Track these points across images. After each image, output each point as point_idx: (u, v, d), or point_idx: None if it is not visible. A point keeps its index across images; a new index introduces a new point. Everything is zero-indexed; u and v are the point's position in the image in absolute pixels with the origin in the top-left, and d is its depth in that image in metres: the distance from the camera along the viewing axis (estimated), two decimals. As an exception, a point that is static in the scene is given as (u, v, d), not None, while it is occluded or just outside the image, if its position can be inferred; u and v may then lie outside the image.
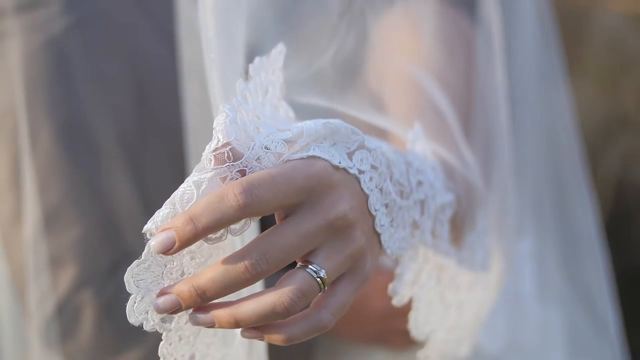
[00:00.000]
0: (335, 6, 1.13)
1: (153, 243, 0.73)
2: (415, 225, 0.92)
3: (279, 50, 0.89)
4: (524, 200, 1.39)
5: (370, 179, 0.82)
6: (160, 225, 0.74)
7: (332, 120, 0.81)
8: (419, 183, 0.92)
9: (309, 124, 0.80)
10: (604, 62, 3.27)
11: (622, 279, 1.89)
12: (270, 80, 0.87)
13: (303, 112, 0.92)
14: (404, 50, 1.18)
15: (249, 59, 0.89)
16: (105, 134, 1.21)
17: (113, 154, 1.21)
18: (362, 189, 0.82)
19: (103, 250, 1.20)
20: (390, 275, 0.95)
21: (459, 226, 1.05)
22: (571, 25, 3.08)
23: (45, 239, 1.21)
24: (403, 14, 1.21)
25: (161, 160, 1.22)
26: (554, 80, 1.46)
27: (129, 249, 1.19)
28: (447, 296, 1.05)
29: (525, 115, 1.41)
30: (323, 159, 0.78)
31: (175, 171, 1.19)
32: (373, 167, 0.83)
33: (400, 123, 1.06)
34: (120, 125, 1.21)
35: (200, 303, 0.75)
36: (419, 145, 0.99)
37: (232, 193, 0.72)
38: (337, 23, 1.13)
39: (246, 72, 0.86)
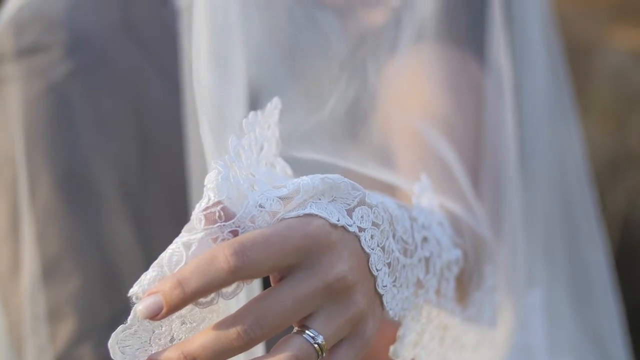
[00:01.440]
0: (336, 56, 1.09)
1: (139, 308, 0.68)
2: (419, 284, 0.86)
3: (274, 105, 0.84)
4: (535, 248, 1.34)
5: (372, 237, 0.77)
6: (147, 288, 0.69)
7: (330, 176, 0.76)
8: (424, 239, 0.86)
9: (305, 179, 0.74)
10: (609, 98, 3.25)
11: (629, 318, 1.83)
12: (265, 136, 0.82)
13: (303, 168, 0.87)
14: (409, 99, 1.14)
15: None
16: (106, 183, 1.16)
17: (114, 203, 1.16)
18: (362, 248, 0.76)
19: (103, 302, 1.15)
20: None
21: (466, 283, 1.00)
22: (576, 62, 3.03)
23: (43, 290, 1.16)
24: (408, 60, 1.17)
25: (163, 210, 1.18)
26: (565, 117, 1.42)
27: (130, 302, 1.14)
28: (450, 357, 1.00)
29: (535, 155, 1.37)
30: (320, 216, 0.72)
31: (178, 221, 1.13)
32: (374, 224, 0.77)
33: (405, 176, 1.01)
34: (122, 174, 1.17)
35: None
36: (426, 198, 0.94)
37: (222, 255, 0.67)
38: (337, 74, 1.09)
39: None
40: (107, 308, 1.16)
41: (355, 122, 1.10)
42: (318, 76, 1.10)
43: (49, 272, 1.16)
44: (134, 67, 1.19)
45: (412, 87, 1.15)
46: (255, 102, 1.06)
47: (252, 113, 0.81)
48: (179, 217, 1.14)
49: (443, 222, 0.93)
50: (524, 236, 1.24)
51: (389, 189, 0.98)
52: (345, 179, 0.77)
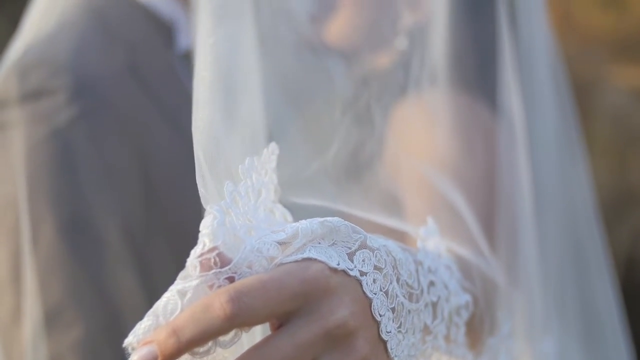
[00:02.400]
0: (341, 100, 1.07)
1: (134, 358, 0.65)
2: (426, 330, 0.83)
3: (271, 150, 0.81)
4: (547, 293, 1.32)
5: (374, 281, 0.74)
6: (142, 338, 0.65)
7: (330, 219, 0.73)
8: (431, 284, 0.83)
9: (304, 223, 0.71)
10: (610, 137, 3.24)
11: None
12: (262, 182, 0.79)
13: (305, 213, 0.84)
14: (418, 144, 1.12)
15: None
16: (110, 229, 1.13)
17: (118, 251, 1.13)
18: (364, 292, 0.73)
19: (106, 351, 1.12)
20: None
21: (478, 329, 0.96)
22: (577, 101, 3.03)
23: (45, 338, 1.13)
24: (417, 105, 1.15)
25: (167, 257, 1.15)
26: (573, 157, 1.40)
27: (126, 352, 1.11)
28: None
29: (545, 197, 1.35)
30: (319, 260, 0.69)
31: (182, 269, 1.11)
32: (377, 268, 0.74)
33: (413, 221, 0.99)
34: (126, 220, 1.14)
35: None
36: (432, 242, 0.91)
37: (218, 302, 0.64)
38: (341, 118, 1.07)
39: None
40: (109, 357, 1.12)
41: (360, 167, 1.09)
42: (323, 120, 1.08)
43: (51, 320, 1.12)
44: (140, 112, 1.17)
45: (421, 132, 1.13)
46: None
47: (248, 159, 0.78)
48: (183, 265, 1.11)
49: (451, 266, 0.90)
50: (540, 282, 1.21)
51: (397, 235, 0.96)
52: (346, 222, 0.74)
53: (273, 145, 0.81)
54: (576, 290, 1.39)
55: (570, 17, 3.98)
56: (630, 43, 3.69)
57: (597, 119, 3.25)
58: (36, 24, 1.25)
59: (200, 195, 0.75)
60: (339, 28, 1.19)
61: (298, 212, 0.84)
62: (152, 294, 1.09)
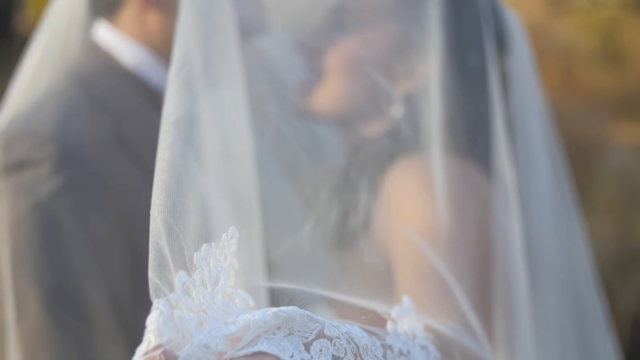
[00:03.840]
0: (326, 171, 1.05)
1: None
2: None
3: (230, 235, 0.79)
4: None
5: None
6: None
7: (284, 308, 0.71)
8: None
9: (257, 314, 0.69)
10: (613, 195, 3.21)
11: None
12: (222, 268, 0.77)
13: (280, 294, 0.81)
14: (409, 212, 1.09)
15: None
16: (97, 301, 1.09)
17: (105, 322, 1.09)
18: None
19: None
20: None
21: None
22: (580, 160, 3.00)
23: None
24: (410, 169, 1.12)
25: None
26: (570, 220, 1.37)
27: None
28: None
29: (543, 260, 1.32)
30: (270, 354, 0.67)
31: None
32: (335, 357, 0.72)
33: (384, 301, 0.96)
34: (112, 291, 1.10)
35: None
36: (407, 321, 0.88)
37: None
38: (328, 195, 1.04)
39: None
40: None
41: (344, 238, 1.06)
42: (307, 190, 1.05)
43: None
44: (127, 180, 1.14)
45: (413, 198, 1.10)
46: None
47: (204, 246, 0.76)
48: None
49: (427, 346, 0.87)
50: (537, 352, 1.18)
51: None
52: (302, 311, 0.72)
53: (232, 229, 0.79)
54: (578, 353, 1.36)
55: (572, 76, 3.96)
56: (631, 100, 3.67)
57: (600, 178, 3.22)
58: (23, 93, 1.23)
59: (151, 287, 0.72)
60: (325, 97, 1.17)
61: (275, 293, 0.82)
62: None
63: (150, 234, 0.74)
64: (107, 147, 1.15)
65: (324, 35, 1.19)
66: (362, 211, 1.08)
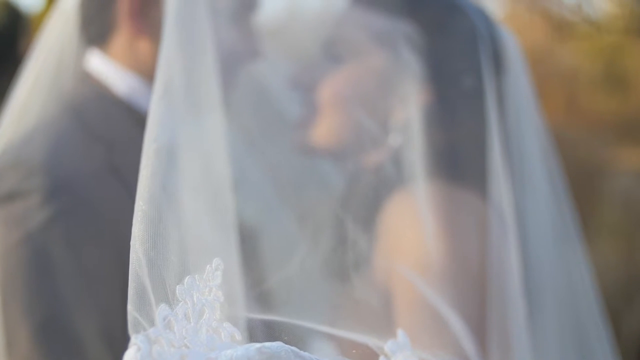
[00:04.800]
0: (319, 212, 1.03)
1: None
2: None
3: (214, 267, 0.76)
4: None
5: None
6: None
7: (269, 344, 0.69)
8: None
9: (240, 350, 0.67)
10: (618, 220, 3.18)
11: None
12: (206, 301, 0.74)
13: (274, 329, 0.78)
14: (409, 244, 1.07)
15: None
16: (89, 332, 1.06)
17: (97, 354, 1.06)
18: None
19: None
20: None
21: None
22: (584, 185, 2.97)
23: None
24: (409, 201, 1.10)
25: None
26: (569, 241, 1.34)
27: None
28: None
29: (544, 286, 1.28)
30: None
31: None
32: None
33: (378, 335, 0.93)
34: (104, 323, 1.07)
35: None
36: (402, 355, 0.85)
37: None
38: (316, 228, 1.02)
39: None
40: None
41: (339, 272, 1.03)
42: (310, 223, 1.03)
43: None
44: (119, 209, 1.10)
45: (408, 232, 1.08)
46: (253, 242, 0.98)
47: (188, 278, 0.73)
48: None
49: None
50: None
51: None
52: (287, 347, 0.69)
53: (217, 261, 0.76)
54: None
55: (575, 101, 3.95)
56: (635, 125, 3.65)
57: (604, 203, 3.19)
58: (15, 122, 1.20)
59: (130, 321, 0.69)
60: (321, 132, 1.16)
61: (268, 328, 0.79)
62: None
63: (130, 266, 0.71)
64: (99, 176, 1.12)
65: (316, 69, 1.17)
66: (360, 243, 1.05)
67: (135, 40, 1.19)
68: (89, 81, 1.20)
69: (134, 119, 1.17)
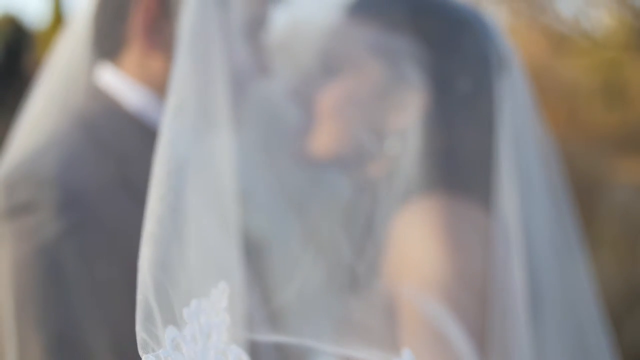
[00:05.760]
0: (328, 226, 1.02)
1: None
2: None
3: (221, 290, 0.75)
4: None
5: None
6: None
7: None
8: None
9: None
10: (618, 232, 3.17)
11: None
12: (213, 323, 0.73)
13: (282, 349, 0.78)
14: (412, 263, 1.06)
15: None
16: (100, 347, 1.05)
17: None
18: None
19: None
20: None
21: None
22: (584, 197, 2.97)
23: None
24: (410, 215, 1.09)
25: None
26: (571, 252, 1.33)
27: None
28: None
29: (546, 299, 1.27)
30: None
31: None
32: None
33: (384, 352, 0.93)
34: (116, 337, 1.06)
35: None
36: None
37: None
38: (326, 242, 1.02)
39: None
40: None
41: (348, 287, 1.03)
42: (320, 237, 1.03)
43: None
44: (130, 224, 1.10)
45: (414, 248, 1.07)
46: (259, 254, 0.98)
47: (194, 301, 0.72)
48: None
49: None
50: None
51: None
52: None
53: (223, 284, 0.75)
54: None
55: (575, 115, 3.95)
56: (634, 138, 3.65)
57: (605, 216, 3.19)
58: (26, 136, 1.20)
59: (139, 342, 0.69)
60: (320, 141, 1.16)
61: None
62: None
63: (137, 288, 0.71)
64: (110, 191, 1.11)
65: (312, 80, 1.17)
66: (366, 258, 1.05)
67: (148, 56, 1.19)
68: (100, 96, 1.20)
69: (145, 133, 1.16)
